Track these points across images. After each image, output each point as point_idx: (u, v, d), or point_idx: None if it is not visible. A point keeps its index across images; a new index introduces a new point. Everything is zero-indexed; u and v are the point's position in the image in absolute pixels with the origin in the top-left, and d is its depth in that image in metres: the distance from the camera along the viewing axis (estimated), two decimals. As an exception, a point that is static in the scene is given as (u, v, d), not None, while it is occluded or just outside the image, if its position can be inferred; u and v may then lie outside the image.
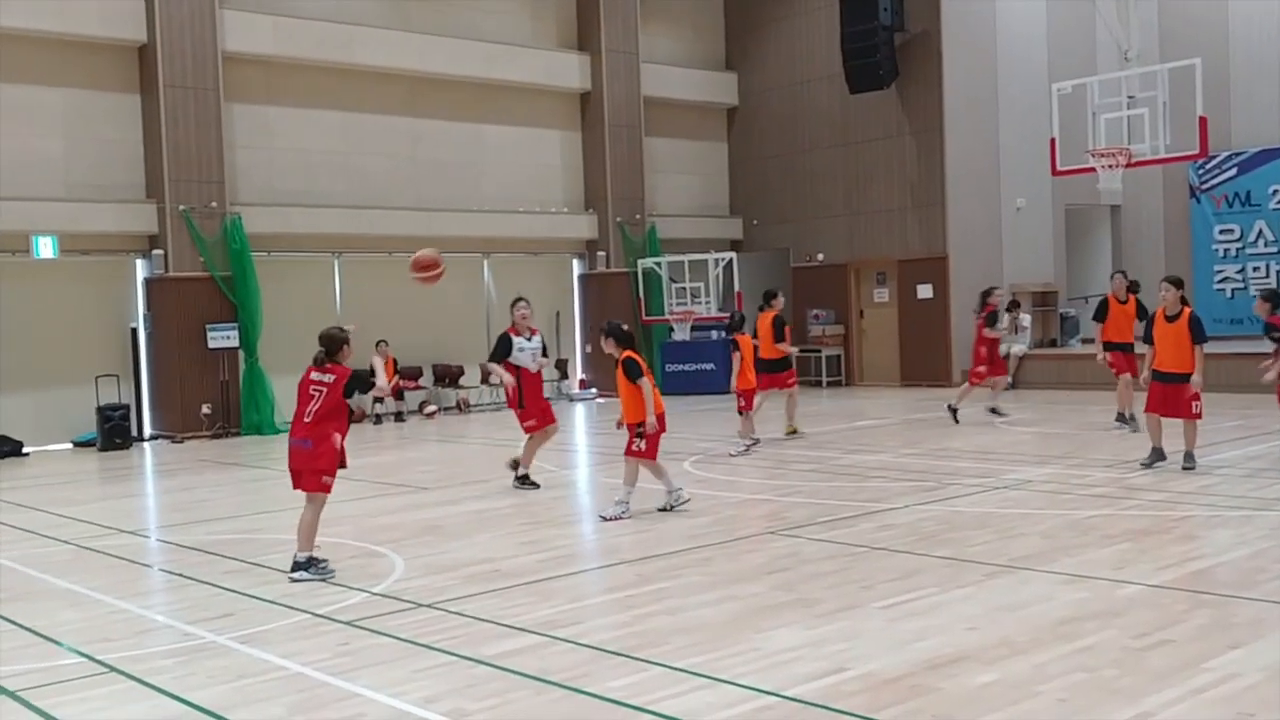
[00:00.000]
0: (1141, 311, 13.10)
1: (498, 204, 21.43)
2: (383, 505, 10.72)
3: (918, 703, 4.81)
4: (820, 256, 23.27)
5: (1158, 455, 10.68)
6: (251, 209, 18.38)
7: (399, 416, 19.28)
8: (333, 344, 7.71)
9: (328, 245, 19.50)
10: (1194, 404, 10.34)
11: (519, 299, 11.22)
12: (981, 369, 14.73)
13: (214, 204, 17.89)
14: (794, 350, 14.36)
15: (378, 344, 19.02)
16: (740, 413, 13.15)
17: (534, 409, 10.97)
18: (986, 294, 14.81)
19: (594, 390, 22.21)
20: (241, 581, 7.58)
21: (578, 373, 22.73)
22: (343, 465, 7.68)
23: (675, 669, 5.38)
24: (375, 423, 18.92)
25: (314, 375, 7.69)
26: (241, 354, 18.08)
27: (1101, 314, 13.51)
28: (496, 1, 21.68)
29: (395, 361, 19.23)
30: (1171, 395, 10.42)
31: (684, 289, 21.85)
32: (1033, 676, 5.08)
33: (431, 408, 19.80)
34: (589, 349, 22.62)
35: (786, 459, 12.30)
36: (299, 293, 18.98)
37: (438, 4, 20.84)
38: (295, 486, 7.72)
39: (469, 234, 20.91)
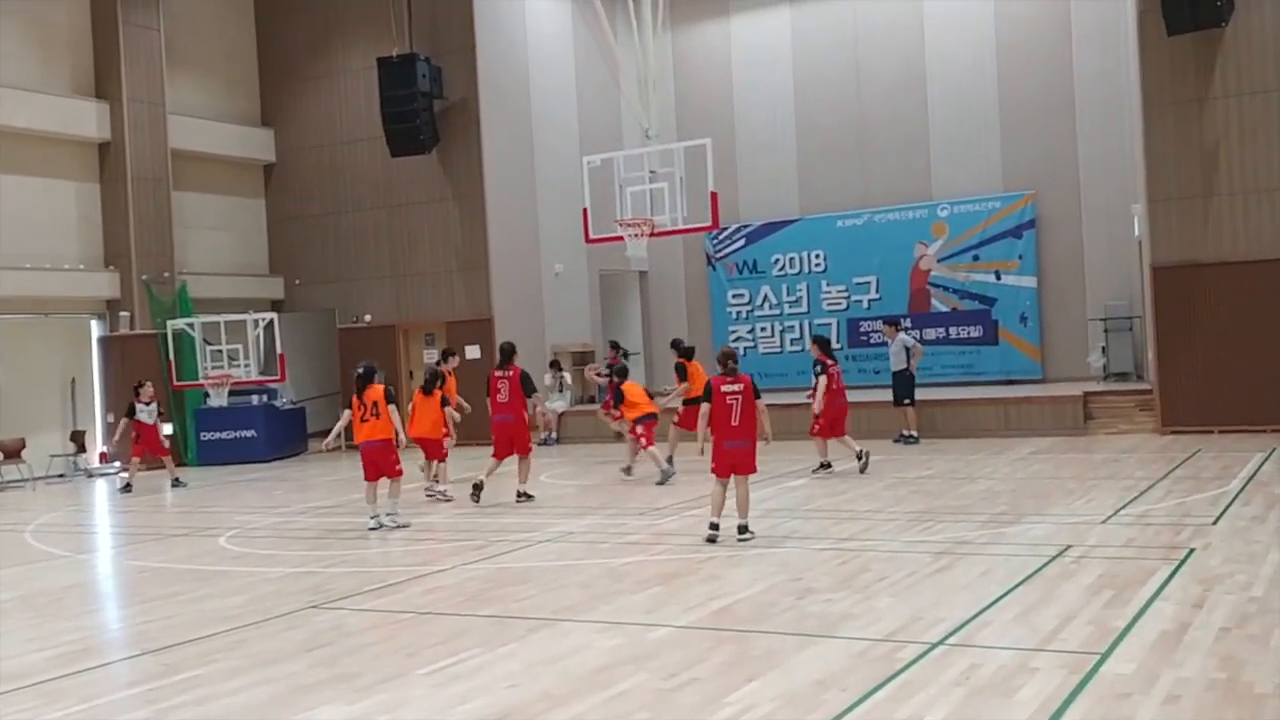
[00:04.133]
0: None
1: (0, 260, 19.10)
2: None
3: (461, 769, 4.75)
4: (368, 317, 22.96)
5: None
6: None
7: None
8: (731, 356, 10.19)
9: None
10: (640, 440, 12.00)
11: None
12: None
13: None
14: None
15: None
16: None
17: None
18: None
19: (117, 464, 20.23)
20: None
21: (98, 445, 20.61)
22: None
23: (202, 766, 4.95)
24: None
25: (724, 388, 9.77)
26: None
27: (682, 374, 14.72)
28: (-3, 38, 19.48)
29: None
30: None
31: (220, 351, 20.62)
32: (572, 727, 5.20)
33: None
34: (111, 418, 20.64)
35: (334, 528, 11.88)
36: None
37: (-78, 34, 18.35)
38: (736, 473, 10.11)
39: (-38, 292, 18.47)
